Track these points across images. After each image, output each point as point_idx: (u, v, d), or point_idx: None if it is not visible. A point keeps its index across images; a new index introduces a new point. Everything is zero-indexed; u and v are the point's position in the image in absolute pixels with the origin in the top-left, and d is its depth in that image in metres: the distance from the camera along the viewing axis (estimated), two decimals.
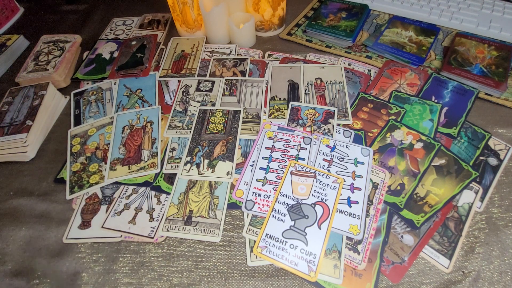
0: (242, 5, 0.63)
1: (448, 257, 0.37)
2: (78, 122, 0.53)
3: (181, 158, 0.47)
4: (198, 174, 0.44)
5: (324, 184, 0.41)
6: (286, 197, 0.41)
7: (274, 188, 0.42)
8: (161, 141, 0.49)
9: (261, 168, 0.44)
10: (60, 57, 0.61)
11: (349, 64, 0.60)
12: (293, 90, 0.55)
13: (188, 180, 0.45)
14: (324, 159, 0.44)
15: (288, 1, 0.68)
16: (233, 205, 0.42)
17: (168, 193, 0.44)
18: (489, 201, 0.42)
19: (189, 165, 0.45)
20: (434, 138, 0.47)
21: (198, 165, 0.45)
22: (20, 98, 0.53)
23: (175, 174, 0.45)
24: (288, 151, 0.46)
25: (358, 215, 0.39)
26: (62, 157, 0.49)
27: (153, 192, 0.44)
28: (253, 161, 0.45)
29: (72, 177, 0.46)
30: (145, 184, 0.45)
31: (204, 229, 0.40)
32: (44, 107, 0.52)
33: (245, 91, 0.55)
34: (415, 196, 0.41)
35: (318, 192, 0.41)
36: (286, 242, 0.37)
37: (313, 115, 0.50)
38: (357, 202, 0.40)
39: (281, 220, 0.39)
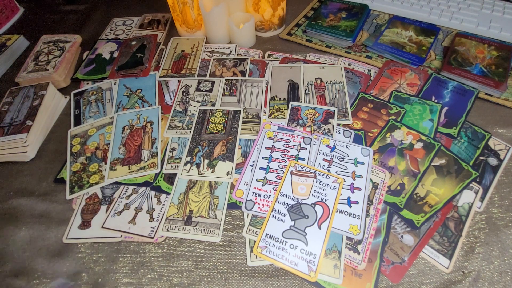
0: (242, 5, 0.63)
1: (448, 257, 0.37)
2: (78, 122, 0.53)
3: (181, 158, 0.47)
4: (198, 174, 0.44)
5: (324, 184, 0.41)
6: (286, 197, 0.41)
7: (274, 188, 0.42)
8: (161, 141, 0.49)
9: (261, 168, 0.44)
10: (60, 57, 0.61)
11: (349, 64, 0.60)
12: (293, 90, 0.55)
13: (188, 180, 0.45)
14: (324, 159, 0.44)
15: (288, 1, 0.68)
16: (233, 205, 0.42)
17: (168, 193, 0.44)
18: (489, 201, 0.42)
19: (189, 165, 0.45)
20: (434, 138, 0.47)
21: (198, 165, 0.45)
22: (20, 98, 0.53)
23: (175, 174, 0.45)
24: (288, 151, 0.46)
25: (358, 215, 0.39)
26: (62, 157, 0.49)
27: (153, 192, 0.44)
28: (253, 161, 0.45)
29: (72, 177, 0.46)
30: (145, 184, 0.45)
31: (204, 229, 0.40)
32: (44, 107, 0.52)
33: (245, 91, 0.55)
34: (415, 196, 0.41)
35: (318, 192, 0.41)
36: (286, 242, 0.37)
37: (313, 115, 0.50)
38: (357, 202, 0.40)
39: (281, 220, 0.39)
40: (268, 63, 0.60)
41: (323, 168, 0.43)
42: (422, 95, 0.53)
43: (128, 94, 0.56)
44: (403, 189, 0.42)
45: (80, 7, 0.80)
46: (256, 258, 0.38)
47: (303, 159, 0.45)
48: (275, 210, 0.40)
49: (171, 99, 0.55)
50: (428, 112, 0.50)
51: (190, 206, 0.42)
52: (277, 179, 0.43)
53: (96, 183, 0.45)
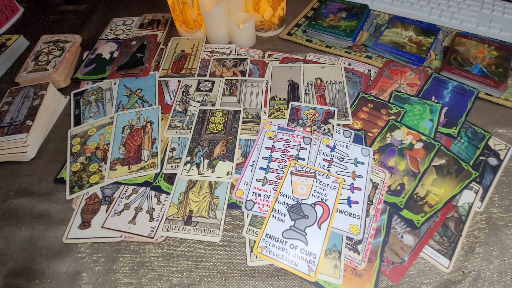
0: (242, 5, 0.63)
1: (448, 257, 0.37)
2: (78, 122, 0.53)
3: (181, 158, 0.47)
4: (198, 174, 0.44)
5: (324, 184, 0.41)
6: (286, 197, 0.41)
7: (274, 188, 0.42)
8: (161, 141, 0.49)
9: (261, 168, 0.44)
10: (60, 57, 0.61)
11: (349, 64, 0.60)
12: (293, 90, 0.55)
13: (188, 180, 0.45)
14: (324, 159, 0.44)
15: (288, 1, 0.68)
16: (233, 205, 0.42)
17: (168, 193, 0.44)
18: (489, 201, 0.42)
19: (189, 165, 0.45)
20: (434, 138, 0.47)
21: (198, 165, 0.45)
22: (20, 98, 0.53)
23: (175, 174, 0.45)
24: (288, 151, 0.46)
25: (358, 215, 0.39)
26: (62, 157, 0.49)
27: (153, 192, 0.44)
28: (253, 161, 0.45)
29: (72, 177, 0.46)
30: (145, 184, 0.45)
31: (204, 229, 0.40)
32: (44, 107, 0.52)
33: (245, 91, 0.55)
34: (415, 196, 0.41)
35: (318, 192, 0.41)
36: (286, 242, 0.37)
37: (313, 115, 0.50)
38: (357, 202, 0.40)
39: (281, 220, 0.39)
40: (268, 63, 0.60)
41: (323, 168, 0.43)
42: (422, 95, 0.53)
43: (128, 94, 0.56)
44: (403, 189, 0.42)
45: (80, 7, 0.80)
46: (256, 258, 0.38)
47: (303, 159, 0.45)
48: (275, 210, 0.40)
49: (171, 99, 0.55)
50: (428, 112, 0.50)
51: (190, 206, 0.42)
52: (277, 179, 0.43)
53: (96, 183, 0.45)
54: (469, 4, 0.67)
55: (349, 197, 0.41)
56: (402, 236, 0.39)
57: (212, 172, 0.45)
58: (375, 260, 0.37)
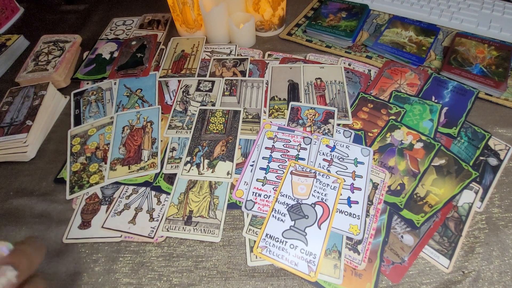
0: (242, 5, 0.63)
1: (448, 257, 0.37)
2: (78, 122, 0.53)
3: (181, 158, 0.47)
4: (198, 174, 0.44)
5: (324, 184, 0.41)
6: (286, 197, 0.41)
7: (274, 188, 0.42)
8: (161, 141, 0.49)
9: (261, 168, 0.44)
10: (60, 57, 0.61)
11: (349, 64, 0.60)
12: (293, 90, 0.55)
13: (188, 180, 0.45)
14: (324, 159, 0.44)
15: (288, 1, 0.68)
16: (233, 205, 0.42)
17: (168, 193, 0.44)
18: (489, 201, 0.42)
19: (189, 165, 0.45)
20: (434, 138, 0.47)
21: (198, 165, 0.45)
22: (20, 98, 0.53)
23: (175, 174, 0.45)
24: (288, 151, 0.46)
25: (358, 215, 0.39)
26: (62, 157, 0.49)
27: (153, 192, 0.44)
28: (253, 161, 0.45)
29: (72, 177, 0.46)
30: (145, 184, 0.45)
31: (204, 229, 0.40)
32: (44, 107, 0.52)
33: (245, 91, 0.55)
34: (415, 196, 0.41)
35: (318, 192, 0.41)
36: (286, 242, 0.37)
37: (313, 115, 0.50)
38: (357, 202, 0.40)
39: (281, 220, 0.39)
40: (268, 63, 0.60)
41: (323, 168, 0.43)
42: (422, 95, 0.53)
43: (128, 94, 0.56)
44: (403, 189, 0.42)
45: (80, 7, 0.80)
46: (256, 258, 0.38)
47: (303, 159, 0.45)
48: (275, 210, 0.40)
49: (171, 99, 0.55)
50: (428, 112, 0.50)
51: (190, 206, 0.42)
52: (277, 179, 0.43)
53: (96, 183, 0.45)
54: (469, 4, 0.67)
55: (349, 197, 0.41)
56: (402, 236, 0.39)
57: (212, 172, 0.45)
58: (375, 260, 0.37)
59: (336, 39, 0.63)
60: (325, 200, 0.40)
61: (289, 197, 0.41)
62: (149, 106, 0.54)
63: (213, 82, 0.57)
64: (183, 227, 0.40)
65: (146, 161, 0.46)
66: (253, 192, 0.42)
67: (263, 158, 0.45)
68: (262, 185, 0.42)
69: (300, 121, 0.50)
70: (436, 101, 0.52)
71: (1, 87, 0.60)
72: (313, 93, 0.54)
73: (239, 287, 0.37)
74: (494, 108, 0.52)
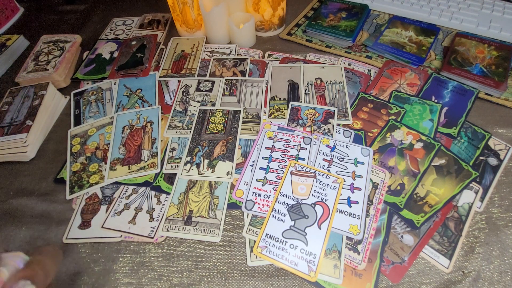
0: (242, 5, 0.63)
1: (448, 257, 0.37)
2: (78, 122, 0.53)
3: (181, 158, 0.47)
4: (198, 174, 0.44)
5: (324, 184, 0.41)
6: (286, 197, 0.41)
7: (274, 188, 0.42)
8: (161, 141, 0.49)
9: (261, 168, 0.44)
10: (60, 57, 0.61)
11: (349, 64, 0.60)
12: (293, 90, 0.55)
13: (188, 180, 0.45)
14: (324, 159, 0.44)
15: (288, 1, 0.68)
16: (233, 205, 0.42)
17: (168, 193, 0.44)
18: (489, 201, 0.42)
19: (189, 165, 0.45)
20: (434, 138, 0.47)
21: (198, 165, 0.45)
22: (20, 98, 0.53)
23: (175, 174, 0.45)
24: (288, 151, 0.46)
25: (358, 215, 0.39)
26: (62, 157, 0.49)
27: (153, 192, 0.44)
28: (253, 161, 0.45)
29: (72, 177, 0.46)
30: (145, 184, 0.45)
31: (204, 229, 0.40)
32: (44, 107, 0.52)
33: (245, 91, 0.55)
34: (415, 196, 0.41)
35: (318, 192, 0.41)
36: (286, 242, 0.37)
37: (313, 115, 0.50)
38: (357, 202, 0.40)
39: (281, 220, 0.39)
40: (268, 63, 0.60)
41: (323, 168, 0.43)
42: (422, 95, 0.53)
43: (128, 94, 0.56)
44: (403, 189, 0.42)
45: (80, 7, 0.80)
46: (256, 258, 0.38)
47: (303, 159, 0.45)
48: (275, 210, 0.40)
49: (171, 99, 0.55)
50: (428, 112, 0.50)
51: (190, 206, 0.42)
52: (277, 179, 0.43)
53: (96, 183, 0.45)
54: (469, 4, 0.67)
55: (349, 197, 0.41)
56: (402, 236, 0.39)
57: (212, 172, 0.45)
58: (375, 260, 0.37)
59: (336, 39, 0.63)
60: (325, 200, 0.40)
61: (289, 197, 0.41)
62: (149, 106, 0.54)
63: (213, 82, 0.57)
64: (183, 227, 0.40)
65: (146, 161, 0.46)
66: (253, 192, 0.42)
67: (263, 158, 0.45)
68: (262, 185, 0.42)
69: (300, 121, 0.50)
70: (436, 101, 0.52)
71: (1, 87, 0.60)
72: (313, 93, 0.54)
73: (239, 287, 0.37)
74: (494, 108, 0.52)
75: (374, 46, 0.61)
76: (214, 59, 0.61)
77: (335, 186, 0.41)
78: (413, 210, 0.40)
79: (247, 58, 0.61)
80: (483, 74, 0.53)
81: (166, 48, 0.65)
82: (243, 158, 0.46)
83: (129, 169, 0.46)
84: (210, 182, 0.44)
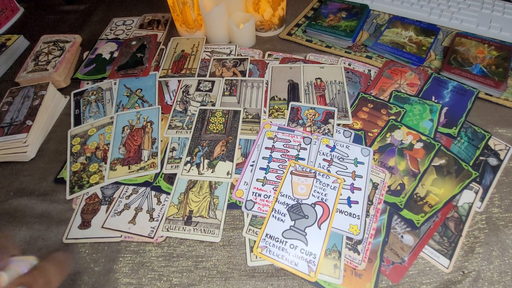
0: (242, 5, 0.63)
1: (448, 257, 0.37)
2: (78, 122, 0.53)
3: (181, 158, 0.47)
4: (198, 174, 0.44)
5: (324, 184, 0.41)
6: (286, 197, 0.41)
7: (274, 188, 0.42)
8: (161, 141, 0.49)
9: (261, 168, 0.44)
10: (60, 57, 0.61)
11: (349, 64, 0.60)
12: (293, 90, 0.55)
13: (188, 180, 0.45)
14: (324, 159, 0.44)
15: (288, 1, 0.68)
16: (233, 205, 0.42)
17: (168, 193, 0.44)
18: (489, 201, 0.42)
19: (189, 165, 0.45)
20: (434, 138, 0.47)
21: (198, 165, 0.45)
22: (20, 98, 0.53)
23: (175, 174, 0.45)
24: (288, 151, 0.46)
25: (358, 215, 0.39)
26: (62, 157, 0.49)
27: (153, 192, 0.44)
28: (253, 161, 0.45)
29: (72, 177, 0.46)
30: (145, 184, 0.45)
31: (204, 229, 0.40)
32: (44, 107, 0.52)
33: (245, 91, 0.55)
34: (415, 196, 0.41)
35: (318, 192, 0.41)
36: (286, 242, 0.37)
37: (313, 115, 0.50)
38: (357, 202, 0.40)
39: (281, 220, 0.39)
40: (268, 63, 0.60)
41: (323, 168, 0.43)
42: (422, 95, 0.53)
43: (128, 94, 0.56)
44: (403, 189, 0.42)
45: (80, 7, 0.80)
46: (256, 258, 0.38)
47: (303, 159, 0.45)
48: (275, 210, 0.40)
49: (171, 99, 0.55)
50: (428, 112, 0.50)
51: (190, 206, 0.42)
52: (277, 179, 0.43)
53: (96, 183, 0.45)
54: (469, 4, 0.67)
55: (349, 197, 0.41)
56: (402, 236, 0.39)
57: (212, 172, 0.45)
58: (375, 260, 0.37)
59: (336, 39, 0.63)
60: (325, 200, 0.40)
61: (289, 197, 0.41)
62: (149, 106, 0.54)
63: (213, 82, 0.57)
64: (183, 227, 0.40)
65: (146, 161, 0.46)
66: (253, 192, 0.42)
67: (263, 158, 0.45)
68: (262, 185, 0.42)
69: (300, 121, 0.50)
70: (436, 101, 0.52)
71: (1, 87, 0.60)
72: (313, 93, 0.54)
73: (239, 287, 0.37)
74: (494, 108, 0.52)
75: (374, 46, 0.61)
76: (214, 59, 0.61)
77: (335, 186, 0.41)
78: (413, 210, 0.40)
79: (247, 58, 0.61)
80: (483, 74, 0.53)
81: (166, 48, 0.65)
82: (243, 158, 0.46)
83: (129, 169, 0.46)
84: (210, 182, 0.44)
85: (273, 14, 0.64)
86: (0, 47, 0.65)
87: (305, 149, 0.46)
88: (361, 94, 0.53)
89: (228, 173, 0.44)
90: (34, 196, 0.45)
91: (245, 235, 0.40)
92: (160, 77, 0.59)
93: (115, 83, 0.58)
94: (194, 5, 0.62)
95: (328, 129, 0.48)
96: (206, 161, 0.46)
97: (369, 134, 0.48)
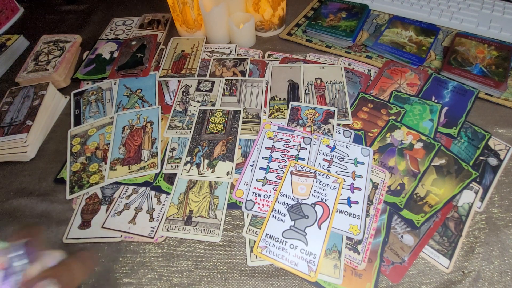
0: (242, 5, 0.63)
1: (448, 257, 0.37)
2: (78, 122, 0.53)
3: (181, 158, 0.47)
4: (198, 174, 0.44)
5: (324, 184, 0.41)
6: (286, 197, 0.41)
7: (274, 188, 0.42)
8: (161, 141, 0.49)
9: (261, 168, 0.44)
10: (60, 57, 0.61)
11: (349, 64, 0.60)
12: (293, 90, 0.55)
13: (188, 180, 0.45)
14: (324, 159, 0.44)
15: (288, 1, 0.68)
16: (233, 205, 0.42)
17: (168, 193, 0.44)
18: (489, 201, 0.42)
19: (189, 165, 0.45)
20: (434, 138, 0.47)
21: (198, 165, 0.45)
22: (20, 98, 0.53)
23: (175, 174, 0.45)
24: (288, 151, 0.46)
25: (358, 215, 0.39)
26: (62, 157, 0.49)
27: (153, 192, 0.44)
28: (253, 161, 0.45)
29: (72, 177, 0.46)
30: (145, 184, 0.45)
31: (204, 229, 0.40)
32: (44, 107, 0.52)
33: (245, 91, 0.55)
34: (415, 196, 0.41)
35: (318, 192, 0.41)
36: (286, 242, 0.37)
37: (313, 115, 0.50)
38: (357, 202, 0.40)
39: (281, 220, 0.39)
40: (268, 63, 0.60)
41: (323, 168, 0.43)
42: (422, 95, 0.53)
43: (128, 94, 0.56)
44: (403, 189, 0.42)
45: (80, 7, 0.80)
46: (256, 258, 0.38)
47: (303, 159, 0.45)
48: (275, 210, 0.40)
49: (171, 99, 0.55)
50: (428, 112, 0.50)
51: (190, 206, 0.42)
52: (277, 179, 0.43)
53: (96, 183, 0.45)
54: (469, 4, 0.67)
55: (349, 197, 0.41)
56: (402, 236, 0.39)
57: (212, 172, 0.45)
58: (375, 260, 0.37)
59: (336, 39, 0.63)
60: (325, 200, 0.40)
61: (289, 197, 0.41)
62: (149, 106, 0.54)
63: (213, 82, 0.57)
64: (183, 227, 0.40)
65: (146, 161, 0.46)
66: (253, 192, 0.42)
67: (263, 158, 0.45)
68: (262, 185, 0.42)
69: (300, 121, 0.50)
70: (436, 101, 0.52)
71: (1, 87, 0.60)
72: (313, 93, 0.54)
73: (239, 287, 0.37)
74: (494, 108, 0.52)
75: (374, 46, 0.61)
76: (214, 59, 0.61)
77: (335, 186, 0.41)
78: (413, 210, 0.40)
79: (247, 58, 0.61)
80: (483, 74, 0.53)
81: (166, 48, 0.65)
82: (243, 158, 0.46)
83: (129, 169, 0.46)
84: (210, 182, 0.44)
85: (273, 14, 0.64)
86: (0, 47, 0.65)
87: (305, 149, 0.46)
88: (361, 94, 0.53)
89: (228, 173, 0.44)
90: (34, 196, 0.45)
91: (245, 235, 0.40)
92: (160, 77, 0.59)
93: (115, 83, 0.58)
94: (194, 5, 0.62)
95: (328, 129, 0.48)
96: (206, 161, 0.46)
97: (369, 134, 0.48)
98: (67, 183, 0.45)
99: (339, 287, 0.35)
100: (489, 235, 0.39)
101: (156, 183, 0.45)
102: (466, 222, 0.40)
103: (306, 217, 0.39)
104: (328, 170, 0.43)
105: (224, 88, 0.56)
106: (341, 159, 0.44)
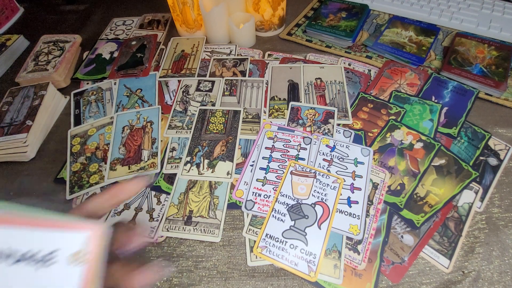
0: (242, 5, 0.63)
1: (448, 257, 0.37)
2: (78, 122, 0.53)
3: (181, 158, 0.47)
4: (198, 174, 0.44)
5: (324, 184, 0.41)
6: (286, 197, 0.41)
7: (274, 188, 0.42)
8: (161, 141, 0.49)
9: (261, 168, 0.44)
10: (60, 57, 0.61)
11: (349, 64, 0.60)
12: (293, 90, 0.55)
13: (188, 180, 0.44)
14: (324, 159, 0.44)
15: (288, 1, 0.68)
16: (233, 205, 0.42)
17: (168, 193, 0.44)
18: (489, 201, 0.42)
19: (189, 165, 0.45)
20: (434, 138, 0.47)
21: (198, 165, 0.45)
22: (20, 98, 0.53)
23: (175, 174, 0.45)
24: (288, 151, 0.46)
25: (358, 215, 0.39)
26: (62, 157, 0.49)
27: (153, 192, 0.44)
28: (253, 161, 0.45)
29: (72, 177, 0.46)
30: None
31: (204, 229, 0.40)
32: (44, 107, 0.52)
33: (245, 91, 0.55)
34: (415, 196, 0.41)
35: (318, 192, 0.41)
36: (286, 242, 0.37)
37: (313, 115, 0.50)
38: (357, 202, 0.40)
39: (281, 220, 0.39)
40: (268, 63, 0.60)
41: (323, 168, 0.43)
42: (422, 95, 0.53)
43: (128, 94, 0.56)
44: (403, 189, 0.42)
45: (80, 7, 0.80)
46: (256, 258, 0.38)
47: (303, 159, 0.45)
48: (275, 210, 0.40)
49: (171, 99, 0.55)
50: (428, 112, 0.50)
51: (190, 206, 0.42)
52: (277, 179, 0.43)
53: (96, 183, 0.45)
54: (469, 4, 0.67)
55: (349, 197, 0.41)
56: (402, 236, 0.39)
57: (212, 172, 0.45)
58: (375, 260, 0.37)
59: (336, 39, 0.63)
60: (325, 200, 0.40)
61: (289, 197, 0.41)
62: (149, 106, 0.54)
63: (213, 82, 0.57)
64: (183, 227, 0.40)
65: (146, 161, 0.46)
66: (253, 192, 0.42)
67: (263, 158, 0.45)
68: (262, 185, 0.42)
69: (300, 121, 0.50)
70: (436, 101, 0.52)
71: (1, 87, 0.60)
72: (313, 93, 0.54)
73: (239, 287, 0.37)
74: (494, 108, 0.52)
75: (374, 46, 0.61)
76: (214, 59, 0.61)
77: (335, 186, 0.41)
78: (413, 210, 0.40)
79: (247, 58, 0.61)
80: (483, 74, 0.53)
81: (166, 48, 0.65)
82: (243, 158, 0.46)
83: (129, 169, 0.46)
84: (210, 182, 0.44)
85: (273, 14, 0.64)
86: (0, 47, 0.65)
87: (305, 149, 0.46)
88: (361, 94, 0.53)
89: (228, 173, 0.44)
90: (34, 196, 0.45)
91: (245, 235, 0.40)
92: (160, 77, 0.59)
93: (115, 83, 0.58)
94: (194, 5, 0.61)
95: (328, 129, 0.48)
96: (206, 161, 0.46)
97: (369, 134, 0.48)
98: (67, 183, 0.45)
99: (339, 287, 0.35)
100: (489, 235, 0.39)
101: (156, 183, 0.45)
102: (466, 222, 0.39)
103: (306, 217, 0.39)
104: (328, 170, 0.43)
105: (224, 88, 0.56)
106: (341, 159, 0.44)
